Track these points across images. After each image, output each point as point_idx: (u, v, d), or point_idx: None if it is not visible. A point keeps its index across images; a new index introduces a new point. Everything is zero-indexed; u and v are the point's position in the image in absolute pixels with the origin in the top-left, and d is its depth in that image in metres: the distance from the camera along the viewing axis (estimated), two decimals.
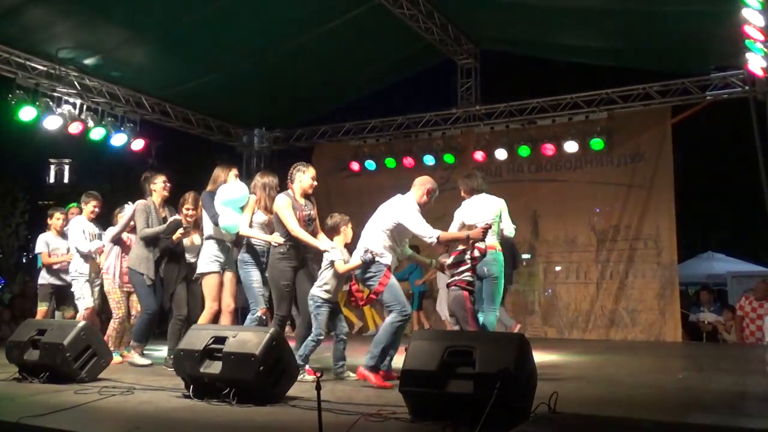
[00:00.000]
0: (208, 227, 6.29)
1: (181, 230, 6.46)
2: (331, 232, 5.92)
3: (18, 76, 9.24)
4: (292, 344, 5.17)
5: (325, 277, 5.68)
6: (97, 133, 10.23)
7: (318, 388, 3.39)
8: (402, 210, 5.63)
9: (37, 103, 9.36)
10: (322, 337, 5.61)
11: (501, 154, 11.31)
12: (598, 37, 10.31)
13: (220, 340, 4.51)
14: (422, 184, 5.76)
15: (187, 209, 6.60)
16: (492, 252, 5.81)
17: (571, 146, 10.80)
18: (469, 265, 5.67)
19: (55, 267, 7.46)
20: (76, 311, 7.29)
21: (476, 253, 5.66)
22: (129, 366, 6.50)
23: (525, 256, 6.65)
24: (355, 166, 12.33)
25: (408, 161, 11.98)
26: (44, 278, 7.49)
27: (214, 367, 4.44)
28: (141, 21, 9.08)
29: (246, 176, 13.02)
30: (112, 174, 23.15)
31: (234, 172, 6.43)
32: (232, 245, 6.41)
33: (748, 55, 8.24)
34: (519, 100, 11.34)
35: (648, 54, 10.32)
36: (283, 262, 5.72)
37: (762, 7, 7.62)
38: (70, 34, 9.12)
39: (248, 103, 11.94)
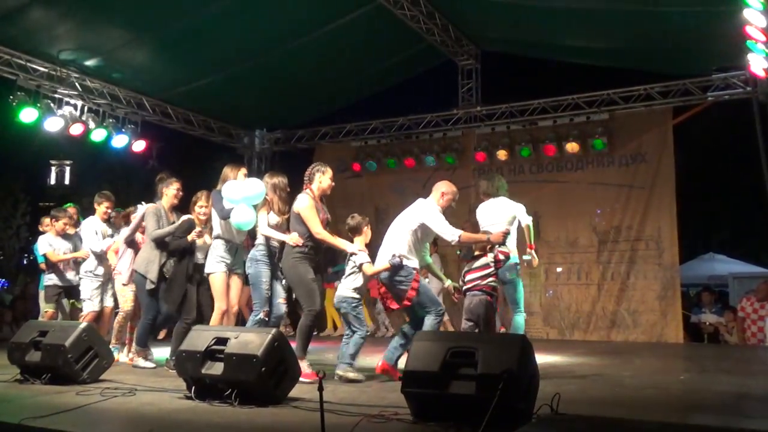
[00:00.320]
0: (217, 227, 6.25)
1: (196, 230, 6.39)
2: (353, 233, 5.96)
3: (19, 78, 9.25)
4: (292, 344, 5.16)
5: (352, 278, 5.76)
6: (98, 135, 10.24)
7: (320, 389, 3.39)
8: (425, 211, 5.82)
9: (39, 105, 9.38)
10: (368, 332, 5.77)
11: (502, 155, 11.31)
12: (599, 37, 10.31)
13: (222, 341, 4.51)
14: (442, 189, 5.95)
15: (201, 207, 6.55)
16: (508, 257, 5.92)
17: (572, 147, 10.80)
18: (493, 269, 5.79)
19: (61, 266, 7.44)
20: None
21: (501, 257, 5.80)
22: (131, 367, 6.50)
23: (526, 257, 6.70)
24: (356, 167, 12.34)
25: (409, 162, 11.99)
26: (50, 279, 7.45)
27: (216, 368, 4.43)
28: (142, 22, 9.09)
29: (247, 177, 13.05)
30: (114, 175, 23.20)
31: (243, 171, 6.37)
32: (241, 246, 6.36)
33: (749, 56, 8.24)
34: (520, 101, 11.34)
35: (649, 55, 10.31)
36: (305, 262, 5.66)
37: (763, 7, 7.62)
38: (71, 36, 9.13)
39: (249, 104, 11.95)
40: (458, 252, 8.67)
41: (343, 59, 11.05)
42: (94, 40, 9.41)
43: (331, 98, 12.42)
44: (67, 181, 34.12)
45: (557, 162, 11.22)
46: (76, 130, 9.90)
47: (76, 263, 7.44)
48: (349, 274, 5.79)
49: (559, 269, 11.17)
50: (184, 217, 6.61)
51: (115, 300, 7.27)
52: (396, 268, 5.61)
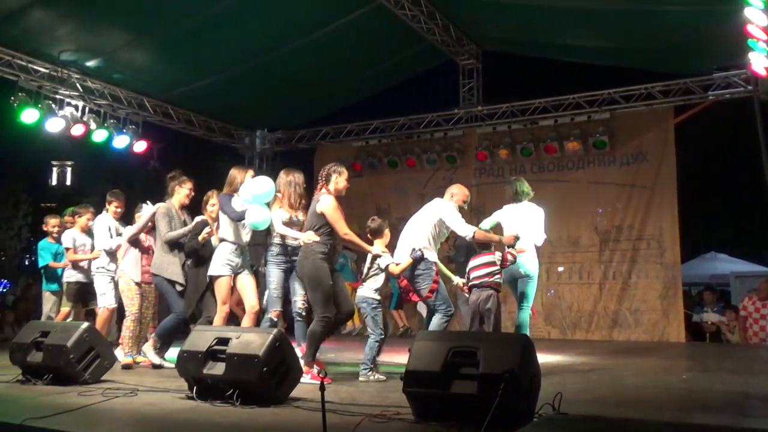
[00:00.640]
0: (224, 229, 6.15)
1: (207, 230, 6.34)
2: (374, 236, 6.03)
3: (20, 79, 9.26)
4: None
5: (374, 279, 5.88)
6: (99, 135, 10.26)
7: (322, 389, 3.39)
8: (442, 207, 6.06)
9: (40, 106, 9.39)
10: (384, 336, 5.82)
11: (503, 154, 11.31)
12: (599, 37, 10.30)
13: (224, 341, 4.51)
14: (452, 190, 6.22)
15: (213, 205, 6.49)
16: (522, 254, 6.20)
17: (573, 146, 10.79)
18: (499, 267, 6.09)
19: (80, 264, 7.43)
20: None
21: (509, 257, 6.12)
22: (135, 367, 6.51)
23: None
24: (357, 166, 12.33)
25: (410, 162, 12.00)
26: (71, 276, 7.43)
27: (218, 369, 4.43)
28: (143, 23, 9.10)
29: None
30: (115, 176, 23.23)
31: (251, 173, 6.29)
32: (246, 247, 6.31)
33: (750, 55, 8.22)
34: (521, 100, 11.34)
35: (650, 54, 10.31)
36: (325, 262, 5.62)
37: (765, 6, 7.60)
38: (72, 37, 9.14)
39: (250, 104, 11.96)
40: (450, 253, 8.73)
41: (343, 59, 11.06)
42: (95, 41, 9.42)
43: (332, 98, 12.42)
44: (68, 182, 34.12)
45: (558, 161, 11.22)
46: (78, 130, 9.91)
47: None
48: (371, 276, 5.90)
49: (560, 269, 11.17)
50: (198, 219, 6.54)
51: (120, 304, 7.26)
52: (417, 261, 5.79)
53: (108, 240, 7.13)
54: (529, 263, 6.34)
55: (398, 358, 6.06)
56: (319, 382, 5.10)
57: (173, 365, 6.13)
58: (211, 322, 6.20)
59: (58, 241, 7.77)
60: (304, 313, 6.07)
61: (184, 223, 6.62)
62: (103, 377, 5.37)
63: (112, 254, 7.14)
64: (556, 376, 5.85)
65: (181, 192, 6.71)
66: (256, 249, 7.12)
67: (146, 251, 6.86)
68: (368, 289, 5.89)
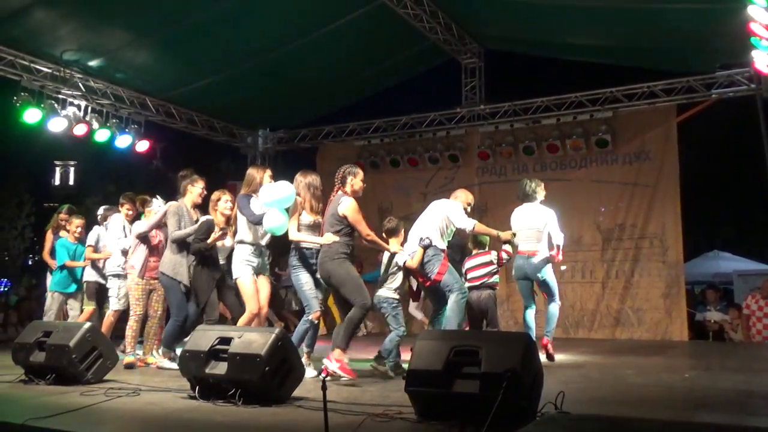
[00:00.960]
0: (242, 231, 6.06)
1: (219, 231, 6.27)
2: (390, 235, 6.20)
3: (23, 79, 9.27)
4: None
5: (393, 278, 6.03)
6: (101, 135, 10.26)
7: (324, 388, 3.38)
8: (448, 204, 6.36)
9: (42, 105, 9.39)
10: (405, 332, 5.93)
11: (505, 153, 11.30)
12: (602, 35, 10.28)
13: (226, 340, 4.51)
14: (456, 194, 6.52)
15: (226, 201, 6.44)
16: (534, 256, 6.62)
17: (575, 145, 10.77)
18: (496, 266, 6.54)
19: (99, 263, 7.46)
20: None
21: (504, 256, 6.58)
22: (139, 367, 6.51)
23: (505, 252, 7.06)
24: (359, 166, 12.29)
25: (412, 161, 11.99)
26: (91, 275, 7.47)
27: (220, 368, 4.44)
28: (145, 22, 9.10)
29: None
30: (118, 175, 23.26)
31: (269, 173, 6.23)
32: (265, 249, 6.26)
33: (753, 53, 8.19)
34: (523, 99, 11.32)
35: (653, 52, 10.28)
36: (347, 262, 5.66)
37: None
38: (74, 37, 9.14)
39: (252, 103, 11.95)
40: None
41: (346, 58, 11.05)
42: (97, 41, 9.43)
43: (334, 97, 12.41)
44: (71, 182, 34.17)
45: (561, 160, 11.20)
46: (80, 130, 9.92)
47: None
48: (389, 275, 6.02)
49: (563, 267, 11.10)
50: (203, 219, 6.49)
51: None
52: (426, 249, 5.97)
53: (123, 240, 7.16)
54: (545, 271, 6.68)
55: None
56: (349, 376, 5.20)
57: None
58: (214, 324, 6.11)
59: (79, 241, 7.72)
60: (316, 321, 5.99)
61: (196, 223, 6.56)
62: (105, 377, 5.39)
63: (126, 254, 7.13)
64: (558, 374, 5.84)
65: (194, 191, 6.67)
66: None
67: (156, 248, 6.84)
68: (387, 290, 6.02)
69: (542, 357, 6.40)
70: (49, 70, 9.53)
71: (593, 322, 10.74)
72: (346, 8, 9.80)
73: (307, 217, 5.85)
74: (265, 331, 4.67)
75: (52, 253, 7.90)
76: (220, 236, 6.30)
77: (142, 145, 10.90)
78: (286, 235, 5.86)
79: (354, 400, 4.44)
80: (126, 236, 7.24)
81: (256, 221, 5.90)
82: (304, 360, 5.61)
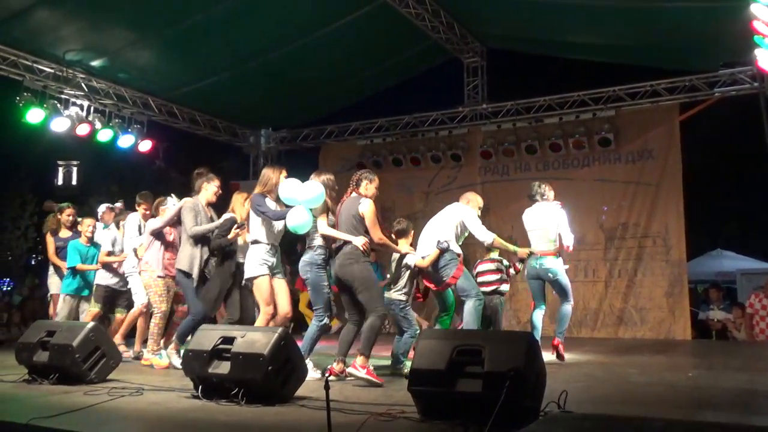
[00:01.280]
0: (256, 230, 5.95)
1: (237, 228, 6.19)
2: (400, 236, 6.22)
3: (26, 79, 9.30)
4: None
5: (402, 280, 6.02)
6: (104, 135, 10.29)
7: (327, 387, 3.38)
8: (465, 211, 6.39)
9: (45, 106, 9.42)
10: (418, 331, 5.92)
11: (508, 152, 11.29)
12: (604, 34, 10.27)
13: (229, 340, 4.51)
14: (468, 197, 6.57)
15: (246, 198, 6.35)
16: (546, 257, 6.68)
17: (578, 144, 10.77)
18: (504, 275, 6.80)
19: (114, 266, 7.41)
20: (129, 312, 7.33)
21: (511, 272, 6.86)
22: (140, 366, 6.51)
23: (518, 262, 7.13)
24: (361, 165, 12.32)
25: (415, 160, 11.98)
26: (102, 278, 7.40)
27: (223, 368, 4.43)
28: (147, 22, 9.12)
29: (252, 176, 13.10)
30: (121, 175, 23.27)
31: (284, 173, 6.10)
32: (279, 248, 6.15)
33: (756, 52, 8.16)
34: (526, 98, 11.32)
35: (655, 51, 10.27)
36: (368, 264, 5.66)
37: None
38: (76, 37, 9.16)
39: (255, 103, 11.97)
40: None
41: (348, 58, 11.06)
42: (99, 41, 9.45)
43: (336, 97, 12.42)
44: (74, 182, 34.16)
45: (563, 159, 11.19)
46: (83, 130, 9.94)
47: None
48: (397, 277, 6.01)
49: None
50: (226, 216, 6.44)
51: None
52: (443, 252, 5.99)
53: (138, 239, 7.14)
54: (557, 269, 6.72)
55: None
56: (377, 381, 5.21)
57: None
58: (233, 324, 6.00)
59: (91, 243, 7.63)
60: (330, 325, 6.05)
61: (211, 220, 6.50)
62: (108, 376, 5.39)
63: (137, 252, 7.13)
64: (561, 374, 5.83)
65: (209, 188, 6.61)
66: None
67: (170, 245, 6.80)
68: (394, 292, 6.00)
69: (552, 356, 6.48)
70: (52, 70, 9.55)
71: (596, 321, 10.73)
72: (349, 8, 9.81)
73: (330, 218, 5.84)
74: (268, 330, 4.66)
75: (58, 253, 7.88)
76: (239, 231, 6.23)
77: (145, 145, 10.92)
78: (287, 234, 5.85)
79: (357, 400, 4.43)
80: (140, 235, 7.19)
81: (277, 218, 5.81)
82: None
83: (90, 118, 10.05)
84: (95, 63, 9.86)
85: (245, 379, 4.32)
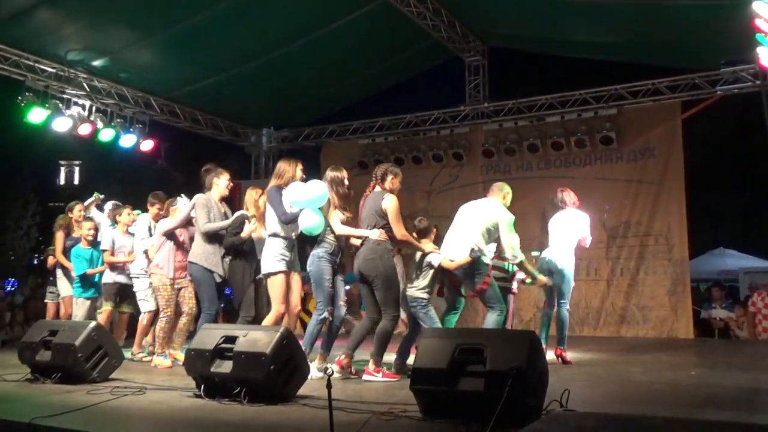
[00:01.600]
0: (272, 224, 5.80)
1: (250, 227, 6.13)
2: (422, 235, 6.10)
3: (27, 79, 9.31)
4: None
5: (422, 278, 5.87)
6: (106, 135, 10.30)
7: (329, 386, 3.38)
8: (503, 216, 6.04)
9: (47, 105, 9.43)
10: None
11: (509, 151, 11.29)
12: (606, 32, 10.26)
13: (231, 339, 4.51)
14: (504, 189, 6.31)
15: (260, 195, 6.26)
16: (559, 256, 6.61)
17: (580, 143, 10.76)
18: (508, 277, 6.66)
19: (118, 265, 7.37)
20: (136, 310, 7.29)
21: (514, 288, 6.80)
22: (140, 365, 6.52)
23: (534, 253, 7.00)
24: (363, 164, 12.32)
25: (416, 159, 11.98)
26: (109, 277, 7.34)
27: (225, 367, 4.43)
28: (149, 22, 9.12)
29: (254, 175, 13.11)
30: (122, 175, 23.31)
31: (300, 166, 6.02)
32: (296, 243, 6.01)
33: (758, 49, 8.15)
34: (527, 96, 11.31)
35: (657, 49, 10.26)
36: (392, 261, 5.60)
37: None
38: (78, 36, 9.17)
39: (256, 102, 11.97)
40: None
41: (349, 57, 11.05)
42: (101, 40, 9.46)
43: (337, 96, 12.42)
44: (76, 181, 34.22)
45: (565, 158, 11.18)
46: (85, 130, 9.95)
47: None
48: (419, 275, 5.88)
49: None
50: (238, 213, 6.39)
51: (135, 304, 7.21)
52: (476, 260, 5.80)
53: (149, 240, 7.05)
54: (566, 264, 6.62)
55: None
56: (395, 379, 5.23)
57: None
58: (249, 323, 5.95)
59: (92, 245, 7.54)
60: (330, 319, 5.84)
61: (225, 216, 6.44)
62: (111, 376, 5.39)
63: (147, 253, 7.08)
64: (563, 372, 5.84)
65: (221, 183, 6.51)
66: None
67: (181, 246, 6.70)
68: (416, 290, 5.84)
69: (554, 356, 6.46)
70: (54, 70, 9.56)
71: (598, 320, 10.72)
72: (350, 7, 9.81)
73: (339, 214, 5.75)
74: (270, 329, 4.67)
75: (64, 253, 7.84)
76: (253, 229, 6.16)
77: (147, 145, 10.92)
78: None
79: (359, 399, 4.43)
80: (151, 236, 7.08)
81: (289, 221, 5.70)
82: (317, 363, 5.57)
83: (92, 118, 10.06)
84: (97, 63, 9.87)
85: (247, 379, 4.33)
